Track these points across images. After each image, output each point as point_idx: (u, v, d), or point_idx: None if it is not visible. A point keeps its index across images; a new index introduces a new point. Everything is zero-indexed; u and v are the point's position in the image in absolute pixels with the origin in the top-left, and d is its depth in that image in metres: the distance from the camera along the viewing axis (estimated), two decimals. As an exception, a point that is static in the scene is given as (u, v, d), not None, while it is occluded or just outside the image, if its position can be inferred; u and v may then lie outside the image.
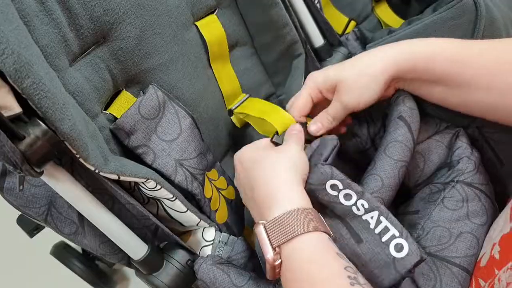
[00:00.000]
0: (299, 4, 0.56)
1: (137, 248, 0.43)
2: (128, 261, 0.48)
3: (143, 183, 0.41)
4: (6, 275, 1.08)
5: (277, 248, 0.35)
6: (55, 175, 0.37)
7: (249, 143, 0.66)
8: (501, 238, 0.43)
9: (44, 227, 0.78)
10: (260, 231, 0.36)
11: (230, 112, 0.56)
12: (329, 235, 0.37)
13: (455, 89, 0.44)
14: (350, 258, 0.38)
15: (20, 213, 0.79)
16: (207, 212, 0.47)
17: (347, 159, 0.58)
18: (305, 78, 0.60)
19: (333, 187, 0.41)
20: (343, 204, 0.41)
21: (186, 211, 0.45)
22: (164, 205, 0.45)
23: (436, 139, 0.55)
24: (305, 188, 0.41)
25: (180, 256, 0.45)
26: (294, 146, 0.44)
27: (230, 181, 0.52)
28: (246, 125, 0.65)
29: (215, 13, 0.54)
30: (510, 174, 0.63)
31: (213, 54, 0.54)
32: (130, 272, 1.04)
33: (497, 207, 0.53)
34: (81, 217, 0.45)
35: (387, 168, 0.46)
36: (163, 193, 0.43)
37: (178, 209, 0.45)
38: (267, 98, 0.63)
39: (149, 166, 0.44)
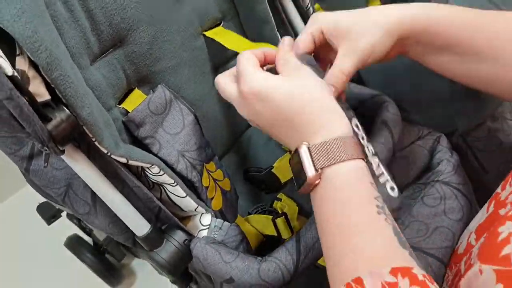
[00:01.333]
0: (297, 20, 0.63)
1: (140, 226, 0.49)
2: (133, 241, 0.54)
3: (148, 168, 0.47)
4: (23, 264, 1.15)
5: (319, 170, 0.37)
6: (73, 156, 0.43)
7: (249, 146, 0.73)
8: (477, 227, 0.47)
9: (60, 216, 0.85)
10: (304, 151, 0.38)
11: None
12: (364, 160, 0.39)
13: (463, 57, 0.43)
14: None
15: (39, 202, 0.87)
16: (204, 199, 0.53)
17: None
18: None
19: (357, 126, 0.42)
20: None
21: (186, 196, 0.51)
22: (166, 190, 0.51)
23: (419, 144, 0.60)
24: None
25: (179, 236, 0.50)
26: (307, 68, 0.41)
27: (227, 174, 0.58)
28: (247, 127, 0.71)
29: (221, 25, 0.61)
30: (493, 181, 0.67)
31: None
32: (137, 267, 1.09)
33: (475, 207, 0.57)
34: (94, 198, 0.51)
35: (366, 165, 0.51)
36: (165, 179, 0.49)
37: (178, 194, 0.50)
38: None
39: (155, 155, 0.50)
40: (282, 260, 0.45)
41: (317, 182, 0.38)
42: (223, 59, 0.62)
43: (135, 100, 0.51)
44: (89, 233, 1.02)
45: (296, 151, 0.39)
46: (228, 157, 0.67)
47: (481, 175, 0.67)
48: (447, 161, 0.57)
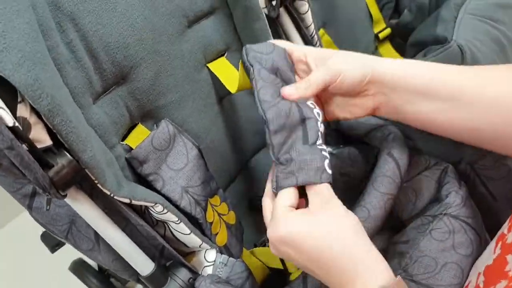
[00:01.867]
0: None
1: (144, 265, 0.48)
2: (138, 278, 0.53)
3: (152, 207, 0.47)
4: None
5: None
6: (76, 198, 0.43)
7: (254, 174, 0.72)
8: (485, 268, 0.46)
9: (64, 244, 0.84)
10: None
11: None
12: None
13: (440, 103, 0.43)
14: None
15: (43, 230, 0.86)
16: (208, 235, 0.52)
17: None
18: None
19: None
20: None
21: (190, 233, 0.50)
22: (170, 227, 0.50)
23: (426, 175, 0.59)
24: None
25: (183, 274, 0.50)
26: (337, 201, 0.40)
27: (231, 207, 0.57)
28: (252, 156, 0.70)
29: (225, 55, 0.61)
30: (502, 209, 0.66)
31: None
32: (142, 291, 1.08)
33: (485, 239, 0.56)
34: (97, 235, 0.50)
35: (373, 200, 0.50)
36: (169, 217, 0.48)
37: (182, 231, 0.50)
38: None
39: (158, 192, 0.49)
40: (288, 301, 0.44)
41: None
42: (227, 89, 0.62)
43: (139, 136, 0.51)
44: (93, 257, 1.01)
45: None
46: (233, 187, 0.67)
47: (491, 202, 0.66)
48: (455, 193, 0.56)
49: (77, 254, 0.99)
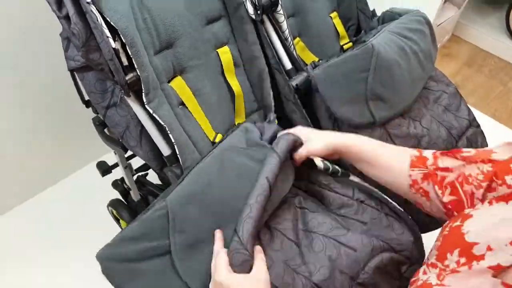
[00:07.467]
0: (277, 45, 0.99)
1: (163, 148, 0.83)
2: (161, 168, 0.88)
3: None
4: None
5: None
6: (134, 101, 0.79)
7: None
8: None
9: (111, 172, 1.18)
10: None
11: None
12: None
13: (368, 166, 0.74)
14: None
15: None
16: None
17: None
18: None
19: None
20: None
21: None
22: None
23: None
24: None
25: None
26: (262, 266, 0.64)
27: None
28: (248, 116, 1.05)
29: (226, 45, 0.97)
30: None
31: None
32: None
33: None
34: (140, 136, 0.86)
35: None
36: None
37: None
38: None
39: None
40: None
41: None
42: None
43: (178, 83, 0.87)
44: (126, 198, 1.36)
45: None
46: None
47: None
48: None
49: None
